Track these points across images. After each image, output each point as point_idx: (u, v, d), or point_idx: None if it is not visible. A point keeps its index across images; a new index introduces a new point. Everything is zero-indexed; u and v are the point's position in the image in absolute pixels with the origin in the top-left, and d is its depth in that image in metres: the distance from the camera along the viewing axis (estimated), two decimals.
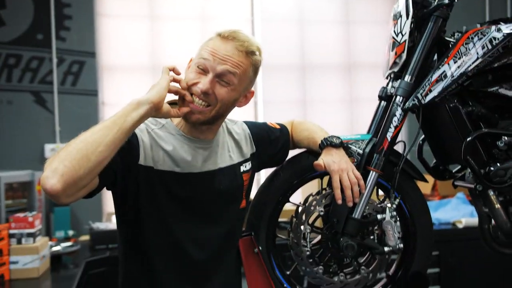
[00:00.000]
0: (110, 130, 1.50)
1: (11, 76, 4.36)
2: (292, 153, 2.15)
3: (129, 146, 1.65)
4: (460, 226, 4.14)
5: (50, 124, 4.44)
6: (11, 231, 2.92)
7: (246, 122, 2.09)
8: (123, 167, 1.67)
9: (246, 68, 1.77)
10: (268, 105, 5.01)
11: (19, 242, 2.92)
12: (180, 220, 1.81)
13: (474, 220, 4.06)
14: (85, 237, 4.17)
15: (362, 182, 1.88)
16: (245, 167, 1.99)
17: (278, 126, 2.14)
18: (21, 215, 3.00)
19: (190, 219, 1.83)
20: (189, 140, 1.82)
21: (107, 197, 4.33)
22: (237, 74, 1.75)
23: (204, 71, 1.74)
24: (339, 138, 1.93)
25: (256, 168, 2.06)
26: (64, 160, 1.42)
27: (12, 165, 4.20)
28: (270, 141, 2.08)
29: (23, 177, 3.93)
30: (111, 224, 4.02)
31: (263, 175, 4.44)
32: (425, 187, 4.60)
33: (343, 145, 1.93)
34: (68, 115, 4.48)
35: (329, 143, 1.91)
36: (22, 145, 4.37)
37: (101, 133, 1.49)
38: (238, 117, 2.12)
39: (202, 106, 1.74)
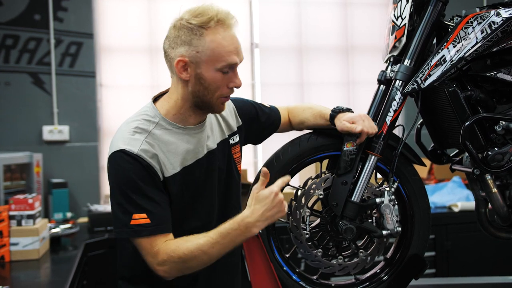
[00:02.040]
0: (223, 251, 1.70)
1: (9, 57, 4.34)
2: (291, 137, 2.15)
3: (153, 180, 1.75)
4: (456, 209, 4.17)
5: (48, 106, 4.42)
6: (11, 213, 2.93)
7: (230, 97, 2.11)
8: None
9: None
10: (266, 87, 4.96)
11: (19, 223, 2.93)
12: (195, 208, 1.85)
13: (469, 204, 4.09)
14: (84, 219, 4.19)
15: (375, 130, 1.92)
16: (233, 140, 2.01)
17: (268, 106, 2.17)
18: (21, 196, 3.01)
19: (203, 205, 1.87)
20: (187, 130, 1.84)
21: (105, 179, 4.33)
22: None
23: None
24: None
25: (242, 142, 2.08)
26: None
27: (10, 147, 4.21)
28: (257, 116, 2.10)
29: (22, 159, 3.93)
30: (109, 206, 4.01)
31: (260, 157, 4.45)
32: (421, 171, 4.57)
33: (352, 111, 1.97)
34: (66, 97, 4.45)
35: (340, 109, 1.96)
36: (20, 126, 4.35)
37: (215, 254, 1.70)
38: None
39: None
